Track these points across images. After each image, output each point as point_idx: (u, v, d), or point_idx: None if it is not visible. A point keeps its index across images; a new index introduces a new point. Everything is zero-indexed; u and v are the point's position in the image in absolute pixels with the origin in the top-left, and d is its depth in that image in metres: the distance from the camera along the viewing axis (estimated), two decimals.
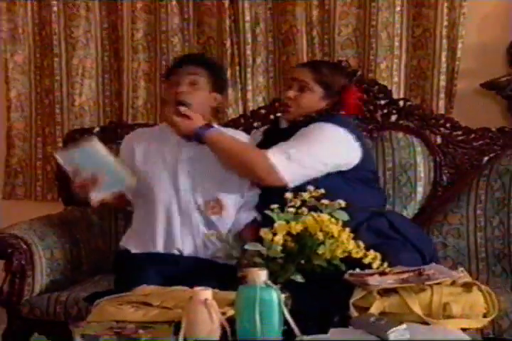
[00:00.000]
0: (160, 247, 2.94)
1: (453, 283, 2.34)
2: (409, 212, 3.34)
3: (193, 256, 2.93)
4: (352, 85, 3.26)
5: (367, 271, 2.37)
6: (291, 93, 3.06)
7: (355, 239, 2.36)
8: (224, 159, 2.89)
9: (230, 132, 3.09)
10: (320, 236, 2.30)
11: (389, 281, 2.32)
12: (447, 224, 3.26)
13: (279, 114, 3.37)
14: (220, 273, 2.72)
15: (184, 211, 2.96)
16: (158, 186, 2.98)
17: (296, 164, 2.83)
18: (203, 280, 2.46)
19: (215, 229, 2.92)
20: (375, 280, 2.32)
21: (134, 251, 2.98)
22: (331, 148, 2.91)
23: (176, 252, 2.93)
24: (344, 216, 2.39)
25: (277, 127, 3.18)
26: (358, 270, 2.39)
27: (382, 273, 2.35)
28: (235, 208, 3.01)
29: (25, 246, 3.04)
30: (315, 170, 2.86)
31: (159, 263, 2.87)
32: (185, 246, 2.94)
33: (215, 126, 3.02)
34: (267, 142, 3.02)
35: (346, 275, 2.38)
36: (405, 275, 2.34)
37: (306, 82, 3.05)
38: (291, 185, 2.79)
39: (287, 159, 2.82)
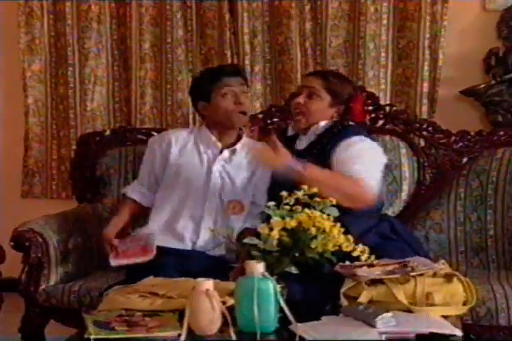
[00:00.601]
0: (187, 243, 2.90)
1: (435, 275, 2.33)
2: (395, 208, 3.33)
3: (206, 250, 2.90)
4: (358, 94, 3.21)
5: (356, 264, 2.36)
6: (300, 99, 2.96)
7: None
8: (323, 192, 2.57)
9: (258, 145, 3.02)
10: (313, 231, 2.29)
11: (376, 272, 2.31)
12: (430, 219, 3.26)
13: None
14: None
15: (209, 207, 2.94)
16: (190, 180, 2.95)
17: (376, 183, 2.82)
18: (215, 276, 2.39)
19: (229, 228, 2.85)
20: (363, 272, 2.32)
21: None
22: (378, 160, 2.91)
23: (188, 247, 2.90)
24: (335, 212, 2.37)
25: (284, 135, 3.08)
26: (347, 262, 2.39)
27: (370, 265, 2.35)
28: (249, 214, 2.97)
29: (41, 240, 3.04)
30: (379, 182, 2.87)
31: (176, 257, 2.80)
32: (205, 241, 2.91)
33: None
34: None
35: (337, 267, 2.37)
36: (391, 268, 2.34)
37: (315, 88, 2.95)
38: None
39: (375, 182, 2.80)
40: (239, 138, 3.03)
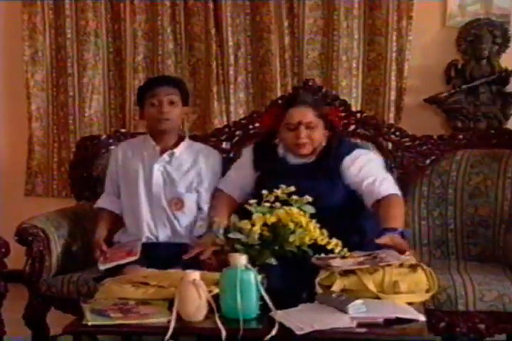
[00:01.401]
0: (152, 238, 2.96)
1: (401, 265, 2.33)
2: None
3: (167, 242, 2.96)
4: (331, 108, 3.16)
5: (330, 255, 2.36)
6: (304, 137, 2.79)
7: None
8: None
9: (202, 148, 3.11)
10: (291, 226, 2.29)
11: (348, 264, 2.31)
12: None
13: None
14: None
15: (157, 205, 2.97)
16: (137, 184, 2.99)
17: (392, 180, 2.84)
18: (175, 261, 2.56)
19: (178, 222, 2.97)
20: (337, 263, 2.31)
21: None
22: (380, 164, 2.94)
23: (154, 240, 2.96)
24: (311, 209, 2.37)
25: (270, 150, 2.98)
26: (323, 254, 2.38)
27: (343, 257, 2.34)
28: (195, 207, 3.00)
29: (43, 235, 3.02)
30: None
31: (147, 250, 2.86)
32: (161, 234, 2.97)
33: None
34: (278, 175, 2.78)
35: (313, 259, 2.36)
36: (362, 259, 2.33)
37: (312, 122, 2.80)
38: None
39: (395, 185, 2.82)
40: (180, 140, 3.05)
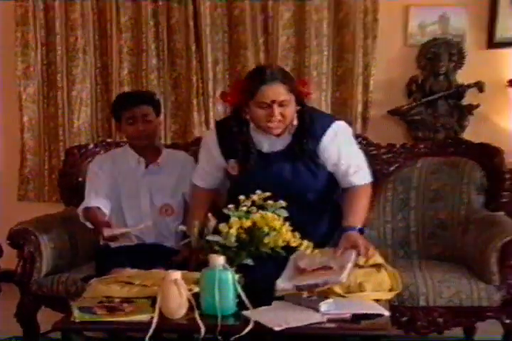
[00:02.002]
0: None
1: (364, 264, 2.33)
2: None
3: (153, 243, 2.95)
4: (300, 79, 2.92)
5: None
6: (277, 115, 2.49)
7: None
8: None
9: (178, 154, 3.12)
10: (265, 229, 2.27)
11: (315, 264, 2.29)
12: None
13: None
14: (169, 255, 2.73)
15: (146, 213, 2.95)
16: (125, 194, 2.98)
17: (364, 164, 2.72)
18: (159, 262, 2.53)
19: (167, 226, 2.95)
20: (304, 264, 2.31)
21: (112, 245, 2.92)
22: (356, 144, 2.79)
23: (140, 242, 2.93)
24: (284, 213, 2.35)
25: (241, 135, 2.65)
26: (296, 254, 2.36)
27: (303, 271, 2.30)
28: (182, 210, 3.00)
29: (33, 238, 2.99)
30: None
31: (129, 252, 2.83)
32: (148, 238, 2.95)
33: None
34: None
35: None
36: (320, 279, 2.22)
37: (285, 100, 2.48)
38: None
39: (365, 170, 2.70)
40: (159, 150, 3.05)
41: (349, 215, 2.58)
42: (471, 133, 3.75)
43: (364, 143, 3.35)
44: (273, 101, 2.47)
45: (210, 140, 2.75)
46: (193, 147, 3.37)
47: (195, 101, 3.97)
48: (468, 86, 3.79)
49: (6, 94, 4.25)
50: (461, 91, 3.80)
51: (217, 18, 3.95)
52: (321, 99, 3.88)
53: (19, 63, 4.14)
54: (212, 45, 3.95)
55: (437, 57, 3.77)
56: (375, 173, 3.26)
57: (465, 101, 3.83)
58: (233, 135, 2.64)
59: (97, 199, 2.93)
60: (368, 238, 3.09)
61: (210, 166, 2.80)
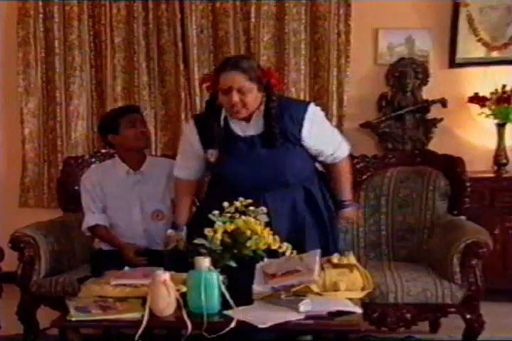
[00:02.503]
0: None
1: (338, 265, 2.31)
2: None
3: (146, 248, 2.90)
4: (265, 68, 2.70)
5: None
6: (235, 97, 2.45)
7: None
8: None
9: (162, 160, 3.09)
10: (248, 233, 2.28)
11: (282, 270, 2.25)
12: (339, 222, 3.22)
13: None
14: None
15: (137, 220, 2.92)
16: (116, 204, 2.94)
17: (340, 137, 2.75)
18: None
19: (157, 231, 2.88)
20: (270, 270, 2.27)
21: (105, 248, 2.95)
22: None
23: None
24: (265, 218, 2.36)
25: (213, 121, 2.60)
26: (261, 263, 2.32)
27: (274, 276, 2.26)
28: (171, 213, 2.95)
29: (33, 242, 2.96)
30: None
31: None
32: (140, 242, 2.92)
33: None
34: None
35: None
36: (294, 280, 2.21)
37: (243, 86, 2.45)
38: None
39: (343, 142, 2.74)
40: (144, 158, 3.00)
41: (342, 189, 2.76)
42: (435, 145, 3.77)
43: None
44: (230, 88, 2.45)
45: (189, 131, 2.71)
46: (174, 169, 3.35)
47: (183, 115, 3.96)
48: (433, 101, 3.82)
49: (9, 109, 4.21)
50: (426, 106, 3.83)
51: (203, 39, 3.96)
52: None
53: (21, 80, 4.10)
54: (199, 63, 3.95)
55: (404, 75, 3.79)
56: None
57: (430, 116, 3.85)
58: (210, 123, 2.60)
59: (94, 216, 2.96)
60: (344, 240, 3.13)
61: (189, 157, 2.73)
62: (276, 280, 2.21)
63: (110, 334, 2.83)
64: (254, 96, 2.50)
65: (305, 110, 2.57)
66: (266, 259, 2.31)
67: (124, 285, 2.28)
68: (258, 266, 2.29)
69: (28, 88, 4.12)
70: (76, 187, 3.30)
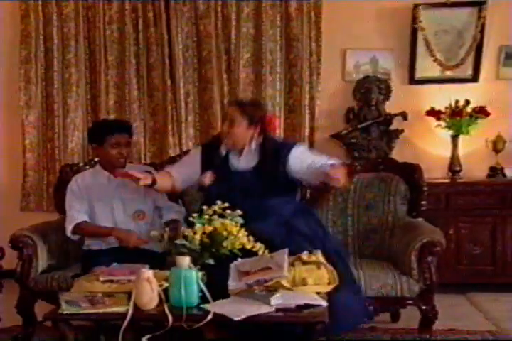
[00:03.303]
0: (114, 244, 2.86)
1: (307, 262, 2.32)
2: None
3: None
4: (269, 114, 2.97)
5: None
6: (225, 126, 2.66)
7: None
8: None
9: (143, 167, 3.02)
10: (224, 234, 2.28)
11: (256, 268, 2.26)
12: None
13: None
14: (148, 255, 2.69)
15: (121, 219, 2.90)
16: (99, 206, 2.92)
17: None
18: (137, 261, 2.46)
19: (140, 230, 2.86)
20: (243, 268, 2.28)
21: (94, 248, 2.92)
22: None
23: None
24: (240, 220, 2.36)
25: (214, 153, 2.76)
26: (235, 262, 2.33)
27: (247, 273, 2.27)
28: (152, 217, 2.94)
29: (31, 242, 2.94)
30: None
31: (111, 253, 2.80)
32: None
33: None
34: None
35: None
36: (266, 276, 2.21)
37: (233, 116, 2.62)
38: None
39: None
40: (123, 166, 2.93)
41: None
42: (397, 154, 3.81)
43: None
44: (226, 114, 2.74)
45: (194, 151, 2.89)
46: (168, 165, 3.35)
47: (170, 127, 3.97)
48: (395, 115, 3.85)
49: (11, 121, 4.19)
50: (389, 119, 3.86)
51: (188, 57, 3.98)
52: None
53: (22, 95, 4.09)
54: (184, 80, 3.97)
55: (369, 91, 3.82)
56: (319, 187, 3.30)
57: (392, 127, 3.88)
58: (213, 151, 2.74)
59: (80, 214, 2.91)
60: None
61: (184, 167, 2.85)
62: (249, 277, 2.21)
63: (101, 326, 2.81)
64: (241, 130, 2.62)
65: (292, 146, 2.71)
66: (239, 259, 2.32)
67: (112, 281, 2.27)
68: (232, 264, 2.29)
69: (28, 102, 4.11)
70: None
